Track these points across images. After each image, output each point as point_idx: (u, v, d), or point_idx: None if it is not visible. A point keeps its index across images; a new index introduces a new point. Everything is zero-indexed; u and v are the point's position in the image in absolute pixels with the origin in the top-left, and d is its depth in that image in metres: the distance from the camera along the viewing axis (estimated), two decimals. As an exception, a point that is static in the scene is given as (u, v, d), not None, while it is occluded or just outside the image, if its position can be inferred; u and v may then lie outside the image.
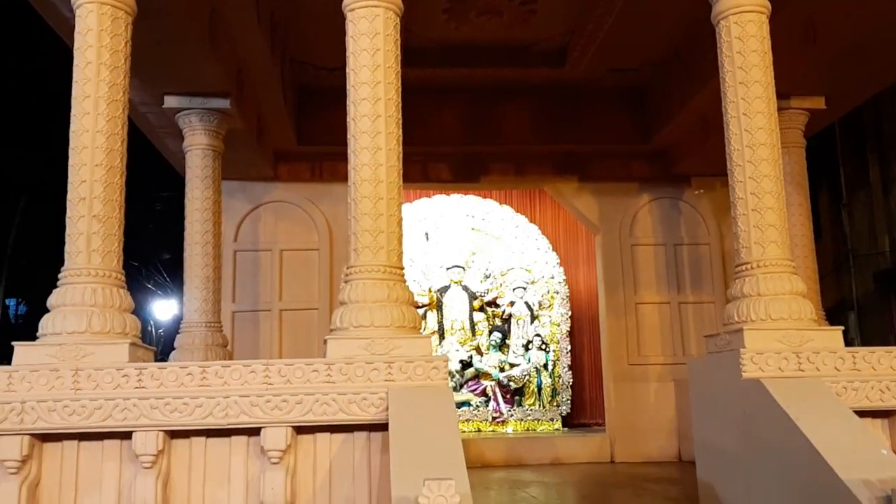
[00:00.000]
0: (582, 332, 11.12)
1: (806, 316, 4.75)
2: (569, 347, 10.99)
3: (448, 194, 10.95)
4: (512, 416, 10.70)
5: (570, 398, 10.88)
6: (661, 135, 8.63)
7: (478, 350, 10.95)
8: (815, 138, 8.50)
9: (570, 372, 10.91)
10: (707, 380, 5.21)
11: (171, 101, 6.69)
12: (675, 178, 9.26)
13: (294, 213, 8.93)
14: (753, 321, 4.72)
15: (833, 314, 10.03)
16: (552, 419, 10.74)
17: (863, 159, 11.68)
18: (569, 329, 11.04)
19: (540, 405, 10.80)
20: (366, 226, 4.61)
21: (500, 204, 11.16)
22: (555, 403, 10.82)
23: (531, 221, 11.22)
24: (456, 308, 10.97)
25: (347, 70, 4.76)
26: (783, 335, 4.66)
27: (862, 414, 4.38)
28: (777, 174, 4.92)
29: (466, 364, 10.82)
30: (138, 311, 4.70)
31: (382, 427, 4.24)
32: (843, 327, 4.86)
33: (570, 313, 11.06)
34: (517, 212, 11.19)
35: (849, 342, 4.78)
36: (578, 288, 11.21)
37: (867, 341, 10.95)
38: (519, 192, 11.18)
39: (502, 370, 10.82)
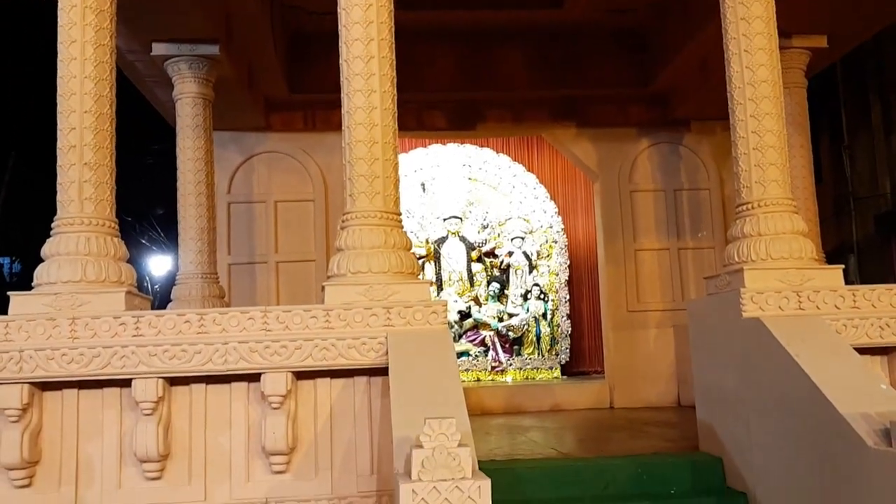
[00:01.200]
0: (581, 280, 11.12)
1: (807, 255, 4.72)
2: (567, 296, 11.00)
3: (444, 143, 10.83)
4: (511, 365, 10.76)
5: (568, 347, 10.93)
6: (661, 78, 8.50)
7: (476, 301, 10.96)
8: (817, 80, 8.38)
9: (569, 321, 10.94)
10: (707, 321, 5.21)
11: (159, 49, 6.55)
12: (675, 123, 9.15)
13: (287, 163, 8.82)
14: (754, 261, 4.69)
15: (833, 257, 10.04)
16: (551, 368, 10.81)
17: (864, 101, 11.57)
18: (567, 278, 11.04)
19: (539, 354, 10.86)
20: (361, 171, 4.54)
21: (497, 153, 11.05)
22: (553, 352, 10.88)
23: (529, 170, 11.11)
24: (454, 259, 10.95)
25: (339, 10, 4.64)
26: (783, 274, 4.63)
27: (861, 351, 4.39)
28: (778, 112, 4.85)
29: (465, 315, 10.85)
30: (133, 266, 4.67)
31: (382, 371, 4.25)
32: (842, 266, 4.84)
33: (568, 262, 11.05)
34: (514, 160, 11.08)
35: (849, 284, 4.76)
36: (577, 237, 11.17)
37: (867, 283, 10.97)
38: (516, 140, 11.07)
39: (501, 320, 10.85)
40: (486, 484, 3.04)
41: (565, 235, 11.06)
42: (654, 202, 9.26)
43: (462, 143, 10.84)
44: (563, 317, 10.93)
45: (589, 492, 4.64)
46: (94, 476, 4.21)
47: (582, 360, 11.08)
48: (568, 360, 10.90)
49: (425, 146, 10.87)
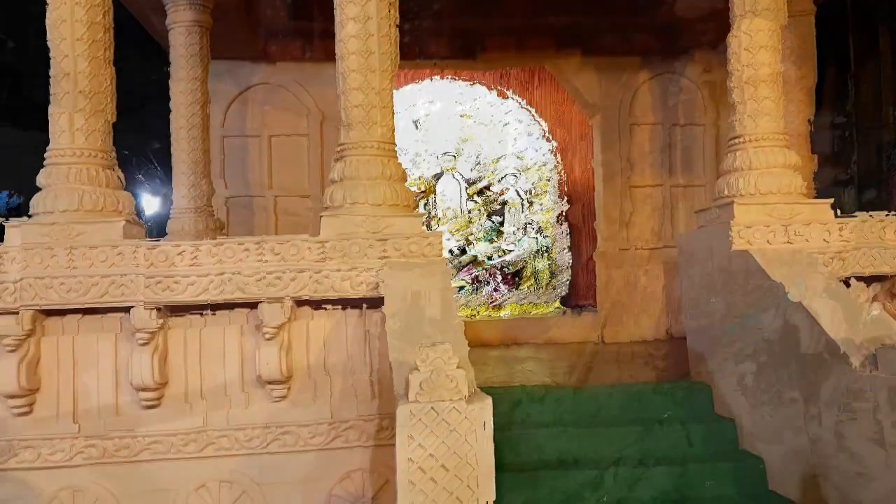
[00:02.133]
0: (575, 216, 11.12)
1: (796, 189, 4.75)
2: (563, 232, 11.03)
3: (441, 76, 10.66)
4: (507, 300, 10.86)
5: (564, 281, 11.01)
6: (668, 5, 8.25)
7: (472, 237, 11.00)
8: (825, 6, 8.12)
9: (566, 255, 10.99)
10: (697, 253, 5.25)
11: (153, -27, 6.40)
12: (678, 54, 8.96)
13: (283, 96, 8.66)
14: (743, 195, 4.74)
15: (834, 187, 10.03)
16: (546, 302, 10.91)
17: (873, 29, 11.32)
18: (564, 214, 11.04)
19: (536, 289, 10.95)
20: (357, 100, 4.50)
21: (492, 88, 10.90)
22: (551, 286, 10.97)
23: (523, 107, 10.98)
24: (449, 196, 10.93)
25: (334, -69, 4.53)
26: (772, 209, 4.68)
27: (847, 282, 4.46)
28: (775, 45, 4.80)
29: (461, 251, 10.90)
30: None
31: (379, 301, 4.28)
32: (831, 199, 4.84)
33: (563, 199, 11.04)
34: (510, 96, 10.94)
35: (849, 215, 4.78)
36: (573, 174, 11.09)
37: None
38: (513, 75, 10.87)
39: (497, 256, 10.91)
40: (487, 404, 3.08)
41: (561, 173, 11.00)
42: (650, 136, 9.19)
43: (455, 79, 10.65)
44: (557, 252, 10.98)
45: (582, 417, 4.76)
46: (92, 404, 4.29)
47: (576, 294, 11.16)
48: (564, 294, 10.99)
49: (418, 82, 10.69)
